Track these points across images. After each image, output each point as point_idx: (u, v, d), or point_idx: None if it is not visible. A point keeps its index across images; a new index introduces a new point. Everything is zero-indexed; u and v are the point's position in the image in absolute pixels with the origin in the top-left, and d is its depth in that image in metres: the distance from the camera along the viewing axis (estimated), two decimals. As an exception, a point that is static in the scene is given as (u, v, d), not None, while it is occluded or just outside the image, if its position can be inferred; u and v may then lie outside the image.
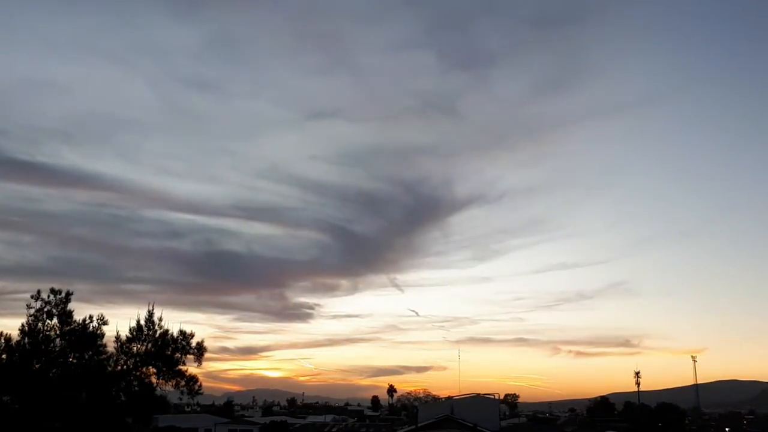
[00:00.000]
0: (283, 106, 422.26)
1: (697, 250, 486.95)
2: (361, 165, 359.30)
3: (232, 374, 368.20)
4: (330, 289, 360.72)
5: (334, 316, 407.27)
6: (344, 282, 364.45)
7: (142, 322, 25.97)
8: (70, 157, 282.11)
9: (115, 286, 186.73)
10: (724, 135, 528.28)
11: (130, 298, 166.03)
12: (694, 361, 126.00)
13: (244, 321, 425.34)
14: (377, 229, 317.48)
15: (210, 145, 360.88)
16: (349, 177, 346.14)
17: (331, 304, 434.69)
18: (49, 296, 24.89)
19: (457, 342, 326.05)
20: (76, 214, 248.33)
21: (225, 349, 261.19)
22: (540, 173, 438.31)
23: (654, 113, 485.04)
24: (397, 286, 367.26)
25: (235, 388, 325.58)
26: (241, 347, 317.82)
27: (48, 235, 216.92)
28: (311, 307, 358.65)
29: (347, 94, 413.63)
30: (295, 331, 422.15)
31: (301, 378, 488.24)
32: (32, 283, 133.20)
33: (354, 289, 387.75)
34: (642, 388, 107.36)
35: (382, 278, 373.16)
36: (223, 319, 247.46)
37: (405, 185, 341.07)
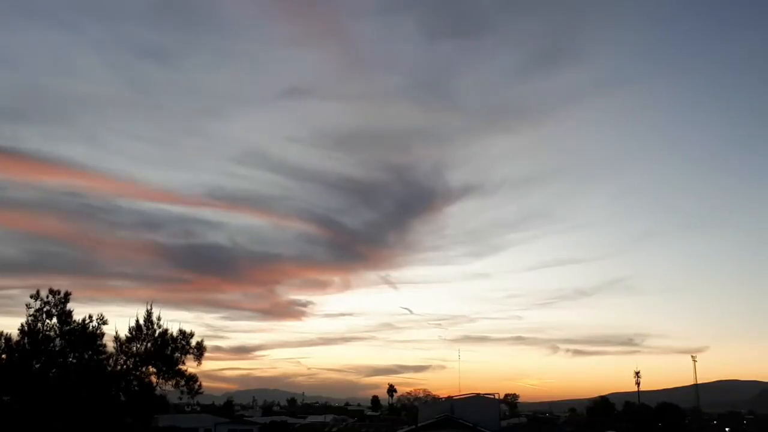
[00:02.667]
0: (252, 81, 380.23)
1: (700, 245, 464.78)
2: (342, 149, 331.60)
3: (229, 374, 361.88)
4: (322, 286, 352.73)
5: (327, 315, 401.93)
6: (336, 279, 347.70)
7: (141, 322, 26.01)
8: (31, 140, 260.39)
9: (96, 281, 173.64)
10: (735, 120, 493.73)
11: (113, 294, 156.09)
12: (694, 360, 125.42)
13: (234, 320, 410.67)
14: (368, 222, 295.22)
15: (175, 124, 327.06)
16: (330, 162, 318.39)
17: (323, 302, 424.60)
18: (48, 296, 24.97)
19: (454, 341, 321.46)
20: (46, 203, 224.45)
21: (218, 348, 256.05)
22: (538, 161, 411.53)
23: (657, 90, 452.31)
24: (390, 283, 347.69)
25: (234, 387, 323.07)
26: (234, 346, 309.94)
27: (18, 226, 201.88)
28: (304, 305, 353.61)
29: (323, 69, 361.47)
30: (288, 329, 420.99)
31: (299, 377, 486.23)
32: (8, 279, 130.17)
33: (346, 286, 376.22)
34: (642, 387, 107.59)
35: (375, 275, 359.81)
36: (211, 318, 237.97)
37: (394, 172, 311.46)
